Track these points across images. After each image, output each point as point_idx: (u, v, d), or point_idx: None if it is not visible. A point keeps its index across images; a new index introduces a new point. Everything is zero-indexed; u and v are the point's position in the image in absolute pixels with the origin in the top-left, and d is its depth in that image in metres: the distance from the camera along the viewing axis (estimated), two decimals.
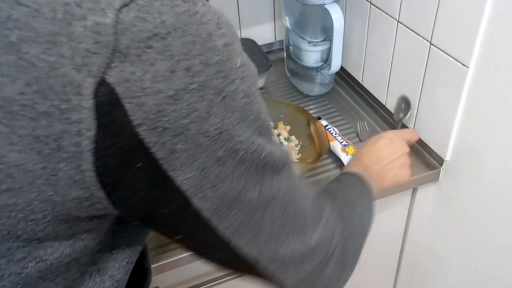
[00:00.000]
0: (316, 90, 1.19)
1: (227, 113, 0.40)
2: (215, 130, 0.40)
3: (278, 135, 1.02)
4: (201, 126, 0.39)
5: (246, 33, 1.31)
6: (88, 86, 0.35)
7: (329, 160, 0.98)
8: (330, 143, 0.99)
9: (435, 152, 0.95)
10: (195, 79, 0.38)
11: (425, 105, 0.94)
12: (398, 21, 0.94)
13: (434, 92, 0.90)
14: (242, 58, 0.42)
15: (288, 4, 1.12)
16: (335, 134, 1.01)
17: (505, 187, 0.81)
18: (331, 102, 1.16)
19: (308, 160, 0.86)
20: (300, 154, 0.98)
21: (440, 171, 0.95)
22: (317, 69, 1.15)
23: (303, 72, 1.18)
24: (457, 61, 0.81)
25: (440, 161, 0.94)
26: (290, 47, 1.18)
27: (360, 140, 1.04)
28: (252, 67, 0.44)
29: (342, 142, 0.98)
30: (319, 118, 1.07)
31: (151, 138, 0.37)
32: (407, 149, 0.80)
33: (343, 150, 0.96)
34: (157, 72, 0.36)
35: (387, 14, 0.97)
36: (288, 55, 1.21)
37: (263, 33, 1.32)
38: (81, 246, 0.44)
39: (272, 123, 0.47)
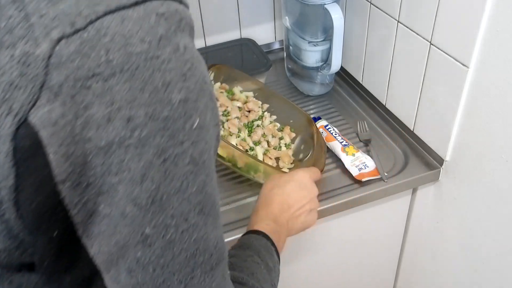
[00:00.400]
0: (316, 90, 1.19)
1: (165, 180, 0.34)
2: (147, 199, 0.33)
3: (281, 138, 1.02)
4: (131, 190, 0.33)
5: (246, 33, 1.31)
6: (7, 126, 0.30)
7: (329, 160, 0.98)
8: (330, 143, 0.99)
9: (435, 152, 0.95)
10: (135, 134, 0.32)
11: (425, 105, 0.94)
12: (398, 21, 0.94)
13: (434, 92, 0.90)
14: (203, 119, 0.36)
15: (288, 4, 1.12)
16: (335, 134, 1.01)
17: (505, 187, 0.81)
18: (331, 102, 1.16)
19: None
20: (293, 165, 0.98)
21: (440, 171, 0.95)
22: (317, 69, 1.15)
23: (303, 72, 1.18)
24: (457, 61, 0.81)
25: (440, 161, 0.94)
26: (290, 47, 1.18)
27: (360, 140, 1.04)
28: (213, 131, 0.38)
29: (342, 142, 0.98)
30: (319, 118, 1.07)
31: (73, 198, 0.32)
32: (316, 192, 0.76)
33: (343, 150, 0.96)
34: (91, 117, 0.31)
35: (387, 14, 0.97)
36: (288, 55, 1.21)
37: (263, 33, 1.32)
38: None
39: (219, 204, 0.41)
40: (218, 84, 1.09)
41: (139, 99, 0.32)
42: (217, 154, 0.84)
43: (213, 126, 0.38)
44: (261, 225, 0.66)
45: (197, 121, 0.35)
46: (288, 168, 0.96)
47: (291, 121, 1.04)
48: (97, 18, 0.31)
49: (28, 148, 0.30)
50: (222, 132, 0.98)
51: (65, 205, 0.32)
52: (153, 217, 0.34)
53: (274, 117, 1.06)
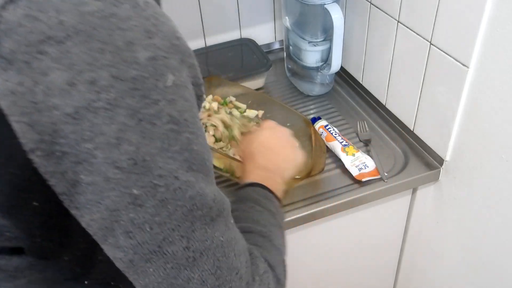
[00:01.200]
0: (316, 90, 1.19)
1: (143, 140, 0.33)
2: (128, 161, 0.32)
3: None
4: (109, 154, 0.32)
5: (246, 33, 1.31)
6: None
7: (329, 160, 0.98)
8: (330, 143, 0.99)
9: (435, 152, 0.95)
10: (102, 96, 0.31)
11: (425, 105, 0.94)
12: (398, 21, 0.94)
13: (434, 92, 0.90)
14: (178, 76, 0.34)
15: (288, 4, 1.12)
16: (335, 134, 1.01)
17: (505, 187, 0.81)
18: (331, 102, 1.16)
19: (297, 176, 0.84)
20: None
21: (440, 171, 0.95)
22: (317, 69, 1.15)
23: (303, 72, 1.18)
24: (457, 61, 0.81)
25: (440, 161, 0.94)
26: (290, 47, 1.18)
27: (360, 140, 1.04)
28: (193, 89, 0.37)
29: (342, 142, 0.98)
30: (319, 118, 1.07)
31: (48, 167, 0.31)
32: (288, 131, 0.77)
33: (343, 150, 0.96)
34: (52, 83, 0.29)
35: (387, 14, 0.97)
36: (288, 55, 1.21)
37: (263, 33, 1.32)
38: (23, 283, 0.38)
39: (211, 161, 0.41)
40: (211, 96, 1.07)
41: (101, 60, 0.30)
42: (214, 165, 0.83)
43: (192, 84, 0.37)
44: (252, 176, 0.64)
45: (171, 78, 0.34)
46: None
47: (289, 124, 1.03)
48: None
49: None
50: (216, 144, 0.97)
51: (42, 174, 0.31)
52: (138, 178, 0.33)
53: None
